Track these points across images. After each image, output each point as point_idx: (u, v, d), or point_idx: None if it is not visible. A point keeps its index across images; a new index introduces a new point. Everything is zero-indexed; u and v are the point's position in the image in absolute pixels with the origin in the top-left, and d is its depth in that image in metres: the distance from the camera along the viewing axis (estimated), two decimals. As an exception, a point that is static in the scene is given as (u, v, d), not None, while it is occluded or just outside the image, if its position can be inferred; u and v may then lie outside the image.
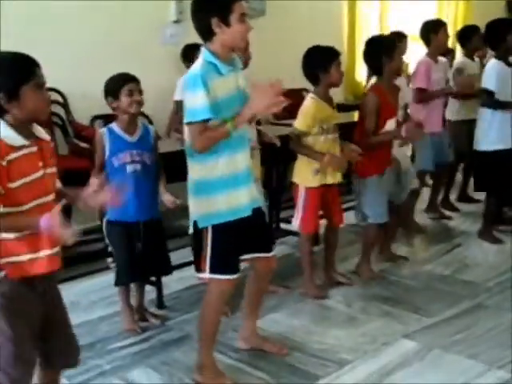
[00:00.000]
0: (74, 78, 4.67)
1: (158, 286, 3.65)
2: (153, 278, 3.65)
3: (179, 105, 4.75)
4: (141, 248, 3.24)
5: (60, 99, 4.71)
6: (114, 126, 3.16)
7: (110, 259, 3.36)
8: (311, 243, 3.82)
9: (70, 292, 3.85)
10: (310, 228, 3.71)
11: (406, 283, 3.98)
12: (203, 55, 2.59)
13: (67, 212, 4.25)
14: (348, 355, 3.09)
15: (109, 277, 3.55)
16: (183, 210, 4.42)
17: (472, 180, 5.00)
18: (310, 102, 3.51)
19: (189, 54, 4.80)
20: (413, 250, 4.56)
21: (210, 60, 2.57)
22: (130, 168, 3.14)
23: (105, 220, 3.26)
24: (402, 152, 4.12)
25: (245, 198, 2.72)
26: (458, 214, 5.41)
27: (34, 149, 2.08)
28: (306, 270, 3.78)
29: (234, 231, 2.70)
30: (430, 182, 5.43)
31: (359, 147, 3.60)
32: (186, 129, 2.64)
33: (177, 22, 5.25)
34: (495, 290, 3.83)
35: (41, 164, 2.08)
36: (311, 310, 3.62)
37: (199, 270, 2.79)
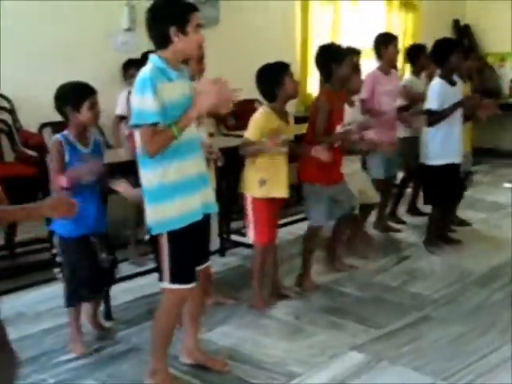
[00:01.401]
0: (22, 83, 4.58)
1: (106, 297, 3.58)
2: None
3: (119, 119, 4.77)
4: (107, 260, 3.19)
5: (7, 105, 4.60)
6: (67, 134, 3.08)
7: (56, 269, 3.28)
8: (265, 255, 3.79)
9: (15, 303, 3.81)
10: (264, 239, 3.70)
11: (354, 294, 4.02)
12: (152, 61, 2.62)
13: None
14: (297, 368, 3.09)
15: (55, 287, 3.49)
16: (126, 221, 4.49)
17: (421, 193, 5.11)
18: (260, 113, 3.55)
19: (129, 69, 4.82)
20: (362, 261, 4.60)
21: (159, 65, 2.60)
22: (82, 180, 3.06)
23: (56, 235, 3.14)
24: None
25: (196, 203, 2.72)
26: (406, 227, 5.50)
27: None
28: (255, 282, 3.77)
29: (188, 238, 2.70)
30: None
31: (310, 149, 3.63)
32: (136, 134, 2.62)
33: (129, 30, 5.20)
34: (441, 301, 3.89)
35: None
36: (259, 322, 3.61)
37: (160, 279, 2.77)
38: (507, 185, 7.17)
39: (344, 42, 6.47)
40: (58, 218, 2.54)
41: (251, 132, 3.52)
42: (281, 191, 3.64)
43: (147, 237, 2.77)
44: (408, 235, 5.29)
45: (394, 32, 7.11)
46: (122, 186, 3.09)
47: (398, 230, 5.37)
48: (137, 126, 2.56)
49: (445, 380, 2.97)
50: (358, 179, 4.36)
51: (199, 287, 2.87)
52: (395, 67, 5.57)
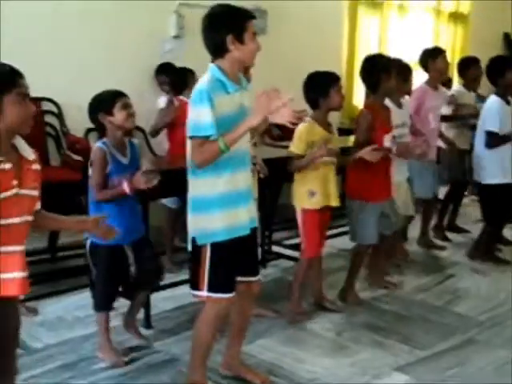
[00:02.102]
0: (70, 88, 4.61)
1: (146, 305, 3.56)
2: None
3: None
4: (134, 272, 3.17)
5: (55, 110, 4.64)
6: (107, 142, 3.05)
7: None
8: (309, 268, 3.74)
9: (55, 307, 3.83)
10: (310, 253, 3.66)
11: (397, 312, 3.92)
12: (211, 71, 2.59)
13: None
14: (338, 387, 3.02)
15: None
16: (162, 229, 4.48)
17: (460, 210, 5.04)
18: (302, 126, 3.50)
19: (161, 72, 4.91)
20: (405, 278, 4.50)
21: (219, 77, 2.57)
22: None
23: (88, 241, 3.12)
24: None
25: (244, 217, 2.70)
26: (449, 244, 5.38)
27: (8, 166, 1.93)
28: (294, 293, 3.72)
29: (232, 250, 2.67)
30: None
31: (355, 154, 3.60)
32: (187, 143, 2.60)
33: (176, 37, 5.20)
34: (486, 324, 3.78)
35: (15, 183, 1.94)
36: (300, 337, 3.56)
37: (195, 287, 2.73)
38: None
39: (391, 53, 6.42)
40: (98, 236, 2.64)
41: (296, 144, 3.49)
42: (331, 200, 3.60)
43: (190, 247, 2.74)
44: (451, 253, 5.17)
45: (442, 45, 7.08)
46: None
47: (443, 248, 5.25)
48: (191, 138, 2.54)
49: (491, 408, 2.87)
50: (402, 191, 4.28)
51: (248, 300, 2.83)
52: (444, 82, 5.49)
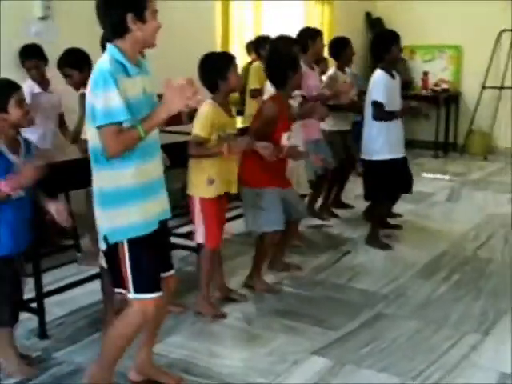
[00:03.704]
0: None
1: (40, 312, 3.23)
2: (33, 305, 3.24)
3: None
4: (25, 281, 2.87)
5: None
6: None
7: None
8: (214, 258, 3.57)
9: None
10: (213, 243, 3.47)
11: (302, 295, 3.87)
12: (110, 52, 2.34)
13: None
14: (260, 378, 2.89)
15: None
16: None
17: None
18: (207, 108, 3.27)
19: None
20: (302, 259, 4.46)
21: (118, 58, 2.33)
22: (15, 194, 2.68)
23: None
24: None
25: (157, 209, 2.50)
26: (338, 221, 5.43)
27: None
28: (204, 288, 3.53)
29: (151, 245, 2.46)
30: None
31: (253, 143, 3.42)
32: (92, 132, 2.34)
33: (43, 18, 4.77)
34: (390, 297, 3.82)
35: None
36: (211, 330, 3.39)
37: (118, 285, 2.49)
38: (426, 175, 7.31)
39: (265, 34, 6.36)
40: None
41: (202, 128, 3.24)
42: (230, 186, 3.45)
43: (103, 246, 2.48)
44: (342, 229, 5.22)
45: (312, 25, 7.13)
46: (55, 209, 2.72)
47: (329, 225, 5.27)
48: (103, 126, 2.26)
49: (414, 380, 2.88)
50: (295, 171, 4.22)
51: (165, 297, 2.62)
52: (319, 61, 5.52)
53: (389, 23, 8.87)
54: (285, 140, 3.70)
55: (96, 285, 3.57)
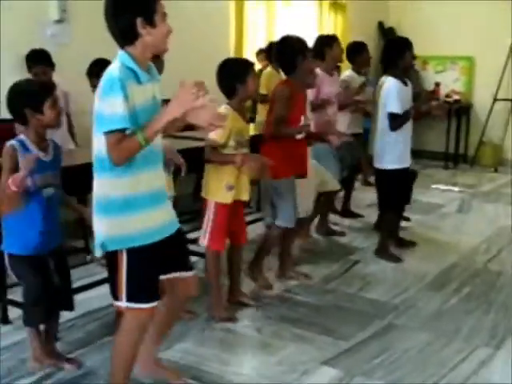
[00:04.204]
0: None
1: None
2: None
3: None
4: (57, 280, 2.87)
5: None
6: (24, 140, 2.72)
7: None
8: (219, 262, 3.59)
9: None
10: (220, 245, 3.50)
11: (312, 303, 3.86)
12: (120, 59, 2.31)
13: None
14: (270, 387, 2.89)
15: None
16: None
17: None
18: (225, 111, 3.28)
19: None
20: (312, 268, 4.45)
21: (129, 65, 2.30)
22: (45, 193, 2.74)
23: (6, 253, 2.81)
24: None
25: (159, 219, 2.47)
26: (347, 230, 5.42)
27: None
28: (214, 291, 3.54)
29: (151, 253, 2.43)
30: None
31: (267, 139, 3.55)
32: (98, 139, 2.32)
33: (59, 21, 4.79)
34: (401, 308, 3.80)
35: None
36: (220, 337, 3.38)
37: (114, 296, 2.47)
38: (436, 186, 7.29)
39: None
40: None
41: (218, 133, 3.23)
42: (245, 194, 3.48)
43: (99, 254, 2.46)
44: (351, 238, 5.21)
45: (325, 33, 7.14)
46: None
47: (343, 234, 5.27)
48: (107, 133, 2.25)
49: (426, 392, 2.87)
50: (318, 172, 4.28)
51: (181, 298, 2.65)
52: (338, 68, 5.55)
53: (401, 33, 8.82)
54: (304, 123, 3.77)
55: (106, 288, 3.57)
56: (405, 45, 4.42)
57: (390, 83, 4.38)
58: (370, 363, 3.12)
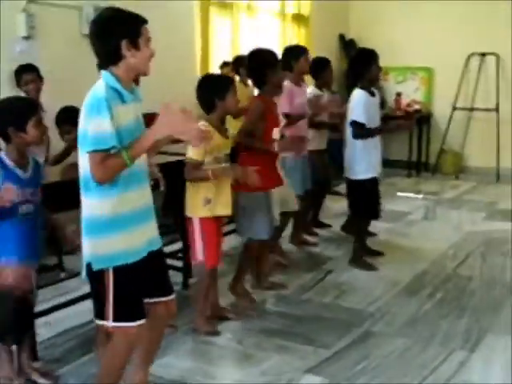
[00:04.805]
0: None
1: (32, 333, 3.18)
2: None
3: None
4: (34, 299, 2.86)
5: None
6: (3, 157, 2.71)
7: None
8: (212, 278, 3.62)
9: None
10: (215, 261, 3.51)
11: (289, 313, 3.90)
12: (105, 79, 2.35)
13: None
14: (256, 398, 2.91)
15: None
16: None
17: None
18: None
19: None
20: (286, 278, 4.49)
21: (113, 85, 2.34)
22: (22, 209, 2.73)
23: None
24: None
25: (144, 237, 2.50)
26: (318, 240, 5.48)
27: None
28: (200, 305, 3.56)
29: (137, 271, 2.45)
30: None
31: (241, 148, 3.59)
32: (83, 159, 2.34)
33: (27, 37, 4.75)
34: (377, 315, 3.87)
35: None
36: (202, 350, 3.40)
37: (99, 316, 2.47)
38: (400, 194, 7.43)
39: (243, 53, 6.42)
40: None
41: (196, 151, 3.27)
42: (226, 209, 3.47)
43: (84, 273, 2.47)
44: (322, 248, 5.27)
45: (287, 44, 7.22)
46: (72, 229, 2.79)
47: (315, 244, 5.33)
48: (92, 152, 2.27)
49: (408, 397, 2.93)
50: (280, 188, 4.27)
51: (163, 321, 2.63)
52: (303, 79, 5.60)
53: (362, 45, 8.97)
54: (276, 135, 3.81)
55: (81, 306, 3.58)
56: (371, 57, 4.52)
57: (357, 94, 4.48)
58: (353, 370, 3.18)
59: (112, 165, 2.28)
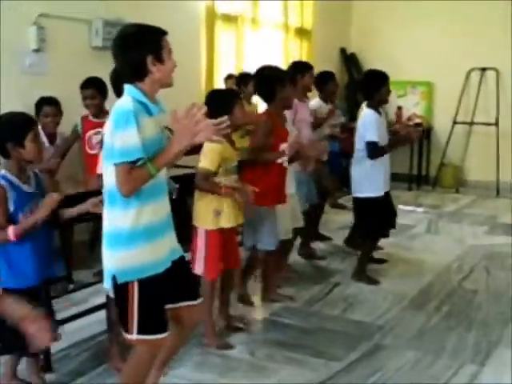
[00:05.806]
0: None
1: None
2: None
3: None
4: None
5: None
6: (6, 174, 2.71)
7: None
8: (214, 289, 3.63)
9: None
10: (215, 273, 3.52)
11: (299, 326, 3.92)
12: (131, 93, 2.38)
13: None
14: (271, 411, 2.93)
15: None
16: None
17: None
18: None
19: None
20: (294, 290, 4.51)
21: (140, 99, 2.38)
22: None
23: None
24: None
25: (167, 248, 2.53)
26: (324, 253, 5.51)
27: None
28: (208, 319, 3.56)
29: (160, 283, 2.48)
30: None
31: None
32: (110, 171, 2.37)
33: (37, 50, 4.78)
34: (386, 328, 3.90)
35: None
36: (215, 362, 3.41)
37: (124, 329, 2.48)
38: (402, 207, 7.46)
39: (247, 66, 6.49)
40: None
41: (209, 161, 3.31)
42: (236, 219, 3.51)
43: (108, 285, 2.49)
44: (328, 261, 5.29)
45: (291, 58, 7.31)
46: (91, 202, 2.82)
47: (323, 258, 5.35)
48: (119, 164, 2.30)
49: (422, 409, 2.95)
50: (292, 203, 4.30)
51: (187, 328, 2.68)
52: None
53: (363, 59, 9.15)
54: (284, 149, 3.87)
55: (93, 317, 3.60)
56: (381, 79, 4.57)
57: (366, 113, 4.53)
58: (366, 382, 3.20)
59: (138, 176, 2.31)
